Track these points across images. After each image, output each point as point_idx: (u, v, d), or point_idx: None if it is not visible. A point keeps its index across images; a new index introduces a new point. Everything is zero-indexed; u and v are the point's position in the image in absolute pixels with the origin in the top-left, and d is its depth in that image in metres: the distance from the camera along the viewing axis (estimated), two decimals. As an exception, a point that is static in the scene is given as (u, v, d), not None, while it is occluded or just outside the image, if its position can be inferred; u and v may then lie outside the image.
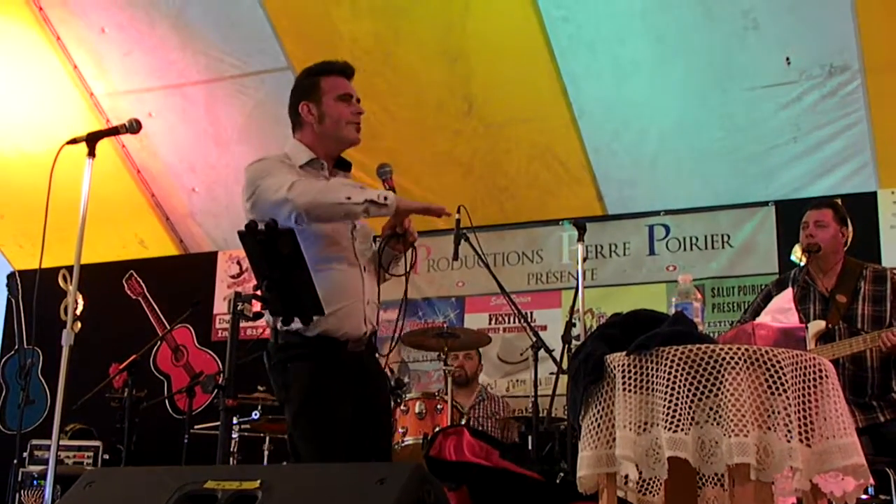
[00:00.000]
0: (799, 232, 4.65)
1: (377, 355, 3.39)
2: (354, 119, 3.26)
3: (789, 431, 2.32)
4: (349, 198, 3.02)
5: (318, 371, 3.11)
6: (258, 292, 2.91)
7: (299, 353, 3.12)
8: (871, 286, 4.45)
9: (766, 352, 2.39)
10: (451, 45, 6.19)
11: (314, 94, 3.25)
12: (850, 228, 4.66)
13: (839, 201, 5.17)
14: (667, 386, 2.37)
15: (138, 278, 7.94)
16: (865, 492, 4.00)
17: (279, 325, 3.09)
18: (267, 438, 5.94)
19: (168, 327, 7.43)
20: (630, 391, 2.44)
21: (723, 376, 2.34)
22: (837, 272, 4.55)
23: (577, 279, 4.79)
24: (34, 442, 6.76)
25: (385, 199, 3.05)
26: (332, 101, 3.23)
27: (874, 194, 6.06)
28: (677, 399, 2.35)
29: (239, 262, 7.62)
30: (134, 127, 3.72)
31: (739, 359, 2.36)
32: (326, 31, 6.28)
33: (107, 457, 6.66)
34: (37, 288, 3.89)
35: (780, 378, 2.35)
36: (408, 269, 3.30)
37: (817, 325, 4.34)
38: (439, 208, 3.14)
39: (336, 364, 3.12)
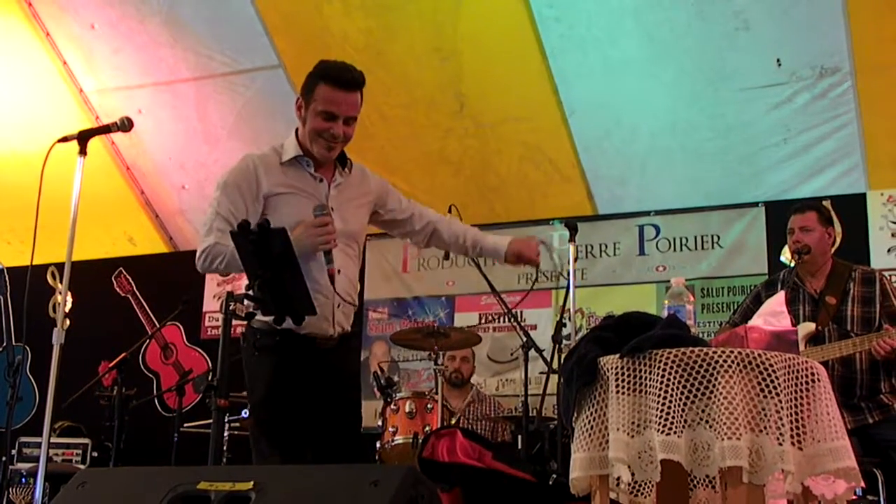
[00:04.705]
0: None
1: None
2: (328, 138, 3.18)
3: (781, 435, 2.33)
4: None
5: (281, 366, 3.13)
6: (250, 292, 2.91)
7: (267, 342, 3.13)
8: (860, 288, 4.47)
9: (759, 355, 2.40)
10: (443, 44, 6.19)
11: (308, 95, 3.21)
12: (837, 228, 4.67)
13: (823, 202, 5.20)
14: (660, 389, 2.38)
15: (127, 276, 7.93)
16: (853, 492, 4.02)
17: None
18: (256, 437, 5.91)
19: (157, 325, 7.41)
20: (623, 393, 2.44)
21: (716, 379, 2.35)
22: (826, 274, 4.56)
23: (569, 279, 4.79)
24: (23, 439, 6.74)
25: None
26: (315, 113, 3.17)
27: (864, 196, 6.08)
28: (670, 402, 2.36)
29: (229, 260, 7.60)
30: (125, 125, 3.70)
31: (732, 362, 2.37)
32: (318, 28, 6.27)
33: (95, 454, 6.65)
34: (28, 285, 3.87)
35: (772, 381, 2.36)
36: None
37: (807, 327, 4.35)
38: None
39: (302, 360, 3.13)
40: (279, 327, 3.04)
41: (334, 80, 3.15)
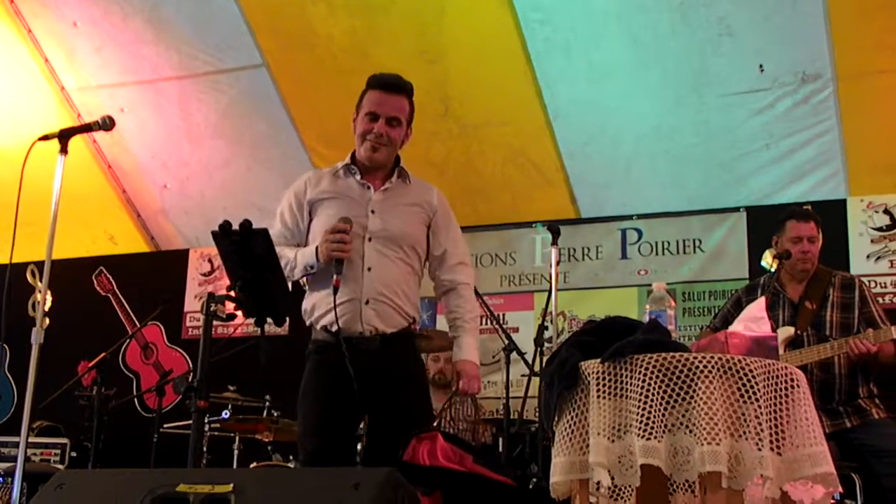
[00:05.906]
0: (772, 238, 4.67)
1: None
2: (371, 139, 3.37)
3: (760, 440, 2.34)
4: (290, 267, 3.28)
5: (318, 370, 3.29)
6: (231, 293, 2.91)
7: (310, 348, 3.34)
8: (840, 293, 4.50)
9: (739, 361, 2.41)
10: (428, 46, 6.18)
11: (358, 105, 3.44)
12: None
13: (804, 207, 5.22)
14: (641, 393, 2.39)
15: (108, 275, 7.87)
16: (832, 497, 4.04)
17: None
18: (237, 438, 5.89)
19: (138, 325, 7.37)
20: (604, 398, 2.45)
21: (696, 385, 2.36)
22: (807, 279, 4.59)
23: (551, 283, 4.79)
24: (0, 439, 6.67)
25: (312, 266, 3.25)
26: (361, 118, 3.40)
27: (844, 202, 6.10)
28: (651, 407, 2.37)
29: (210, 260, 7.57)
30: (107, 124, 3.68)
31: (712, 367, 2.38)
32: (302, 28, 6.26)
33: (74, 454, 6.59)
34: (7, 283, 3.84)
35: (752, 387, 2.37)
36: None
37: (786, 331, 4.38)
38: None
39: (338, 363, 3.17)
40: (316, 330, 3.30)
41: (377, 84, 3.43)
